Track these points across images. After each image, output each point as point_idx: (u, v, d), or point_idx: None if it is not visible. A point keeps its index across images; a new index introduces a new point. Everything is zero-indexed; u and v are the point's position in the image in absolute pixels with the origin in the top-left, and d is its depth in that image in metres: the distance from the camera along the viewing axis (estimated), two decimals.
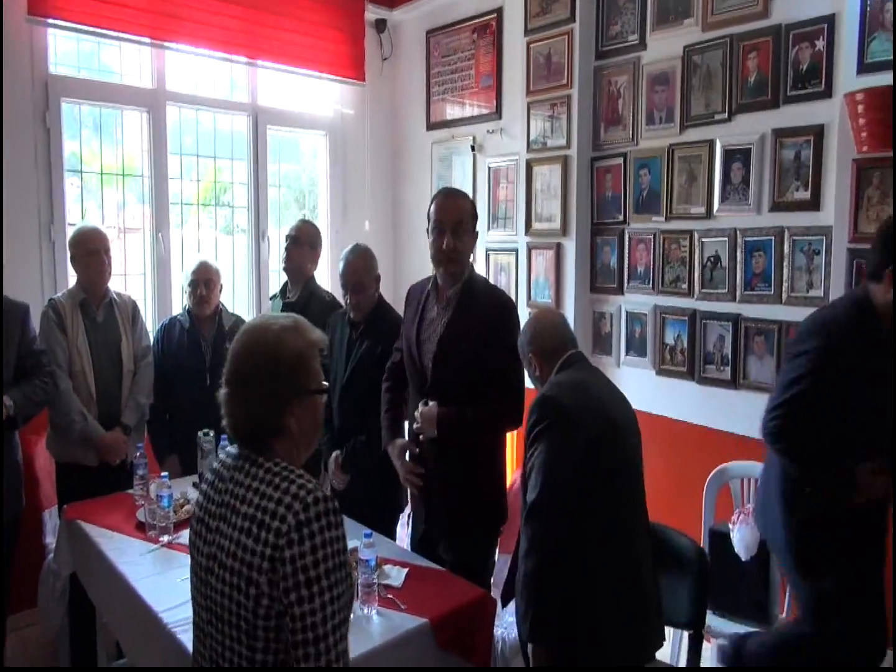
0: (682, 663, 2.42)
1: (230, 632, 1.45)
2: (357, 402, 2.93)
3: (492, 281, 4.10)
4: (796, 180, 3.02)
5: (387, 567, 2.35)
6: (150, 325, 3.88)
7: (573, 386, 2.18)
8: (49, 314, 3.08)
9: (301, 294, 3.47)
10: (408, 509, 3.01)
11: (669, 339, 3.52)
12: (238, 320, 3.58)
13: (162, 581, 2.30)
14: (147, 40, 3.91)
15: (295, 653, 1.38)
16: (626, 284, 3.71)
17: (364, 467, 2.91)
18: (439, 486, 2.57)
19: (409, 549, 2.75)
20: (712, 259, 3.32)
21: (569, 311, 3.83)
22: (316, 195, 4.96)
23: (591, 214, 3.85)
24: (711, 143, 3.28)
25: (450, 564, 2.48)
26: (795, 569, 2.38)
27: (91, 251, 3.12)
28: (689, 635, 2.36)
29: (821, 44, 2.92)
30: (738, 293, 3.24)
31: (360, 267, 3.00)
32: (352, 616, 1.66)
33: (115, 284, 3.36)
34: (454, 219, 2.54)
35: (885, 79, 2.61)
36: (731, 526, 2.92)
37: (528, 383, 2.48)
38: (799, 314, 3.02)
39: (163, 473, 2.75)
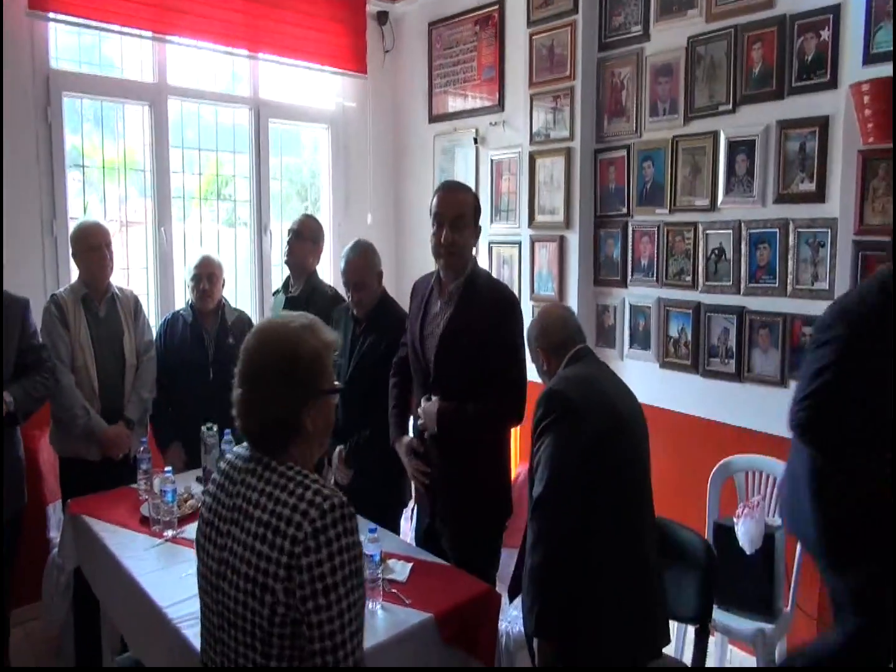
0: (688, 657, 2.41)
1: (244, 638, 1.43)
2: (361, 397, 2.92)
3: (494, 274, 4.10)
4: (801, 172, 3.00)
5: (391, 562, 2.35)
6: (153, 319, 3.88)
7: (580, 380, 2.17)
8: (51, 309, 3.07)
9: (303, 289, 3.46)
10: (411, 503, 3.01)
11: (673, 332, 3.51)
12: (241, 315, 3.58)
13: (166, 576, 2.30)
14: (148, 34, 3.90)
15: (312, 661, 1.37)
16: (629, 277, 3.70)
17: (368, 462, 2.91)
18: (444, 481, 2.57)
19: (414, 543, 2.75)
20: (716, 251, 3.30)
21: (572, 304, 3.80)
22: (317, 188, 4.95)
23: (594, 207, 3.84)
24: (716, 135, 3.26)
25: (454, 560, 2.47)
26: (830, 565, 2.31)
27: (92, 246, 3.11)
28: (696, 629, 2.36)
29: (826, 34, 2.89)
30: (742, 286, 3.22)
31: (360, 265, 2.99)
32: None
33: (117, 279, 3.36)
34: (454, 212, 2.52)
35: (891, 69, 2.58)
36: (735, 519, 2.91)
37: (533, 377, 2.47)
38: (804, 307, 3.02)
39: (166, 469, 2.75)
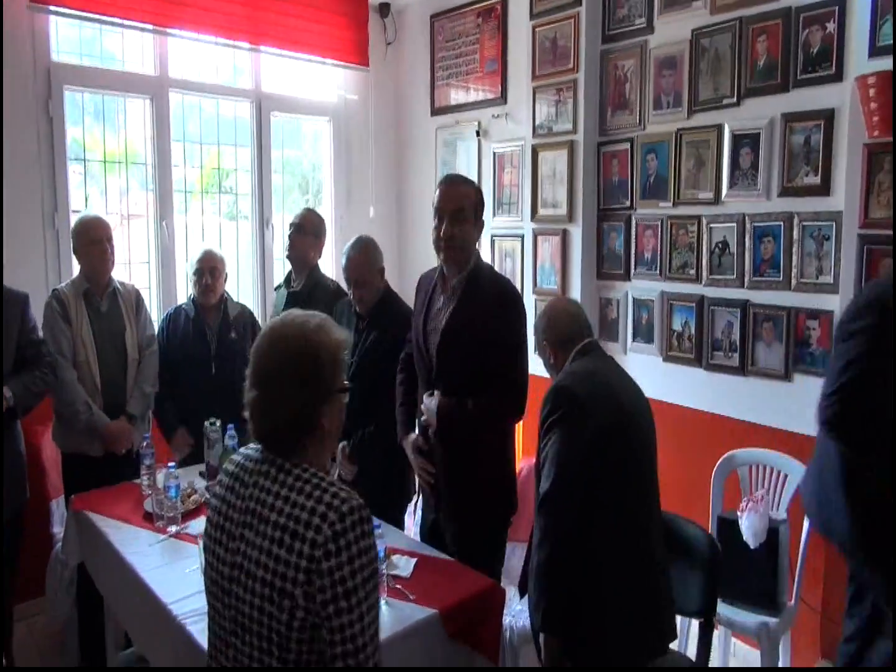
0: (692, 651, 2.41)
1: (259, 643, 1.42)
2: (364, 393, 2.91)
3: (497, 267, 4.08)
4: (806, 165, 2.99)
5: (395, 557, 2.35)
6: (155, 314, 3.88)
7: (587, 375, 2.16)
8: (52, 304, 3.07)
9: (305, 283, 3.45)
10: (416, 498, 3.01)
11: (677, 326, 3.50)
12: (243, 310, 3.57)
13: (170, 572, 2.31)
14: (150, 27, 3.88)
15: (334, 664, 1.37)
16: (632, 270, 3.69)
17: (372, 458, 2.90)
18: (448, 478, 2.56)
19: (418, 538, 2.75)
20: (720, 245, 3.29)
21: (574, 298, 3.80)
22: (318, 180, 4.94)
23: (597, 200, 3.82)
24: (720, 128, 3.25)
25: (458, 555, 2.47)
26: (865, 564, 2.27)
27: (93, 241, 3.10)
28: (700, 623, 2.36)
29: (832, 26, 2.87)
30: (746, 279, 3.21)
31: (361, 262, 2.98)
32: None
33: (119, 273, 3.35)
34: (453, 206, 2.51)
35: None
36: (739, 513, 2.90)
37: (539, 371, 2.46)
38: (808, 301, 3.01)
39: (170, 464, 2.75)
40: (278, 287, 3.72)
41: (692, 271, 3.41)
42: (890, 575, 2.14)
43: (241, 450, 1.62)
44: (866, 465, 2.13)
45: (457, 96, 4.58)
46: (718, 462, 3.15)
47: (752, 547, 2.84)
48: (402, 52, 4.96)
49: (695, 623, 2.47)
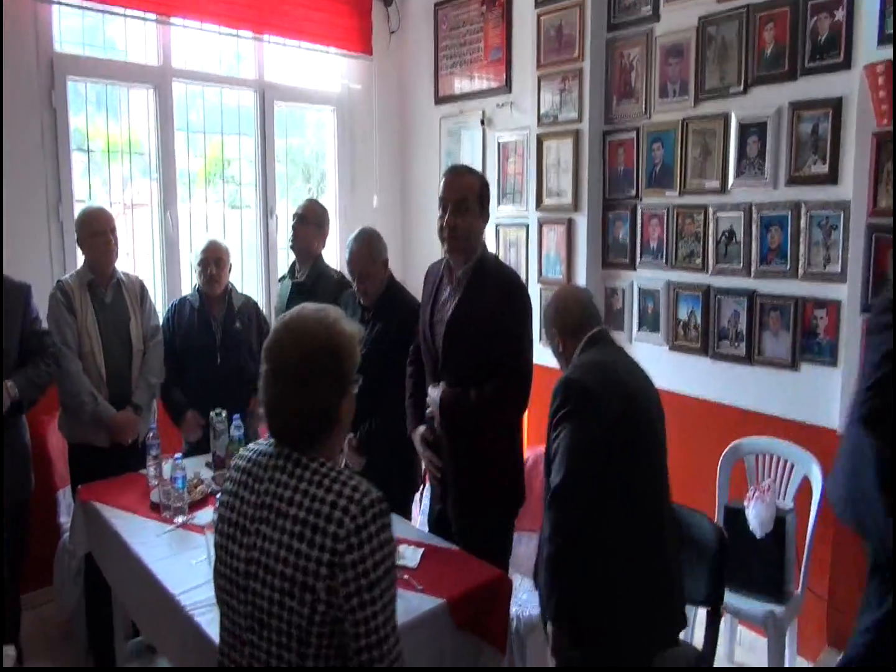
0: (699, 639, 2.41)
1: (278, 638, 1.41)
2: (370, 385, 2.90)
3: (502, 257, 4.07)
4: (814, 154, 2.97)
5: (402, 547, 2.34)
6: (160, 304, 3.88)
7: (596, 367, 2.15)
8: (57, 296, 3.06)
9: (309, 274, 3.45)
10: (423, 488, 3.01)
11: (683, 315, 3.49)
12: (248, 300, 3.56)
13: (178, 563, 2.31)
14: (152, 16, 3.87)
15: (358, 657, 1.37)
16: (638, 260, 3.68)
17: (378, 449, 2.90)
18: (455, 469, 2.56)
19: (425, 528, 2.75)
20: (727, 234, 3.28)
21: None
22: (322, 169, 4.92)
23: (602, 189, 3.81)
24: (726, 117, 3.23)
25: (466, 546, 2.46)
26: None
27: (97, 232, 3.09)
28: (707, 612, 2.36)
29: (840, 14, 2.85)
30: (753, 268, 3.20)
31: (364, 255, 2.97)
32: None
33: (123, 263, 3.34)
34: (457, 196, 2.49)
35: None
36: (745, 503, 2.91)
37: (548, 362, 2.45)
38: (816, 290, 3.00)
39: (176, 455, 2.75)
40: (282, 278, 3.71)
41: (698, 260, 3.40)
42: None
43: (251, 445, 1.61)
44: None
45: (461, 85, 4.55)
46: (725, 451, 3.15)
47: (758, 536, 2.84)
48: (405, 41, 4.93)
49: (702, 612, 2.47)
